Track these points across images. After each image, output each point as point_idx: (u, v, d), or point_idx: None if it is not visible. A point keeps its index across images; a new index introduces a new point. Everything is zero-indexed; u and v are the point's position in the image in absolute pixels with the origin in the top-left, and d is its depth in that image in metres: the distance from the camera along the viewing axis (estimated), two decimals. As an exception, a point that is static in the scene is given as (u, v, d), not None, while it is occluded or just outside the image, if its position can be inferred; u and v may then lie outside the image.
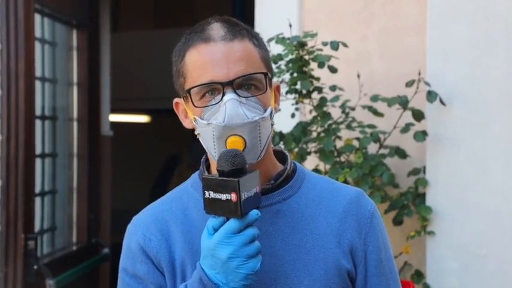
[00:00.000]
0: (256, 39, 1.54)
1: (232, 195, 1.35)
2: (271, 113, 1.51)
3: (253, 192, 1.38)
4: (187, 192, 1.61)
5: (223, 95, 1.46)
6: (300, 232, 1.53)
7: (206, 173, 1.58)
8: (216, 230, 1.38)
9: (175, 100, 1.59)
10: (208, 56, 1.47)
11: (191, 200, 1.58)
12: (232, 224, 1.36)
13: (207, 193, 1.37)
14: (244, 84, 1.47)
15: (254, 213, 1.38)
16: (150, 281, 1.53)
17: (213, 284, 1.38)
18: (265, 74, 1.51)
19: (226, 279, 1.37)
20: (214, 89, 1.47)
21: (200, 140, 1.53)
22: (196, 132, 1.53)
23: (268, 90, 1.51)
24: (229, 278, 1.37)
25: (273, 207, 1.52)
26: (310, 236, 1.52)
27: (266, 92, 1.50)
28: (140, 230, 1.57)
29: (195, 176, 1.64)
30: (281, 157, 1.63)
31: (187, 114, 1.57)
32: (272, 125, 1.53)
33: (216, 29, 1.50)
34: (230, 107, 1.44)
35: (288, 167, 1.59)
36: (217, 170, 1.39)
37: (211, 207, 1.38)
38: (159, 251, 1.53)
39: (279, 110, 1.62)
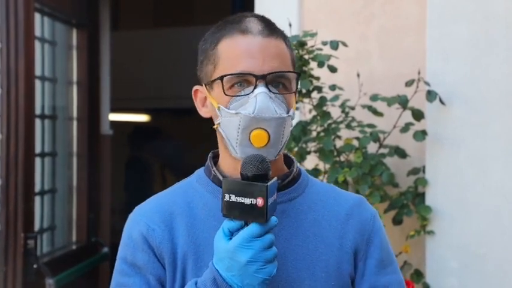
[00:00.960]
0: (288, 40, 1.56)
1: (258, 200, 1.35)
2: (293, 114, 1.52)
3: (273, 199, 1.39)
4: (192, 186, 1.60)
5: (254, 88, 1.46)
6: (303, 233, 1.53)
7: (216, 171, 1.57)
8: (232, 232, 1.39)
9: (196, 87, 1.59)
10: (245, 47, 1.48)
11: (196, 194, 1.58)
12: (255, 228, 1.36)
13: (227, 196, 1.37)
14: (275, 81, 1.48)
15: (274, 219, 1.39)
16: (149, 271, 1.52)
17: (228, 286, 1.38)
18: (298, 75, 1.54)
19: (242, 282, 1.37)
20: (245, 80, 1.48)
21: (220, 130, 1.52)
22: (216, 122, 1.52)
23: (294, 91, 1.53)
24: (246, 281, 1.37)
25: (278, 207, 1.51)
26: (313, 237, 1.53)
27: (293, 92, 1.52)
28: (144, 219, 1.55)
29: (199, 171, 1.63)
30: (287, 160, 1.63)
31: (206, 102, 1.57)
32: (291, 126, 1.54)
33: (254, 22, 1.52)
34: (261, 99, 1.45)
35: (295, 170, 1.60)
36: (241, 174, 1.39)
37: (231, 210, 1.37)
38: (162, 242, 1.52)
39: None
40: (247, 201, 1.36)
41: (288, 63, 1.52)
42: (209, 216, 1.52)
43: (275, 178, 1.42)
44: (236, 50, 1.49)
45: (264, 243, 1.36)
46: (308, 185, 1.61)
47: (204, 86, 1.56)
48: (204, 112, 1.58)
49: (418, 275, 3.07)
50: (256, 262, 1.36)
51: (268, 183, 1.36)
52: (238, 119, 1.47)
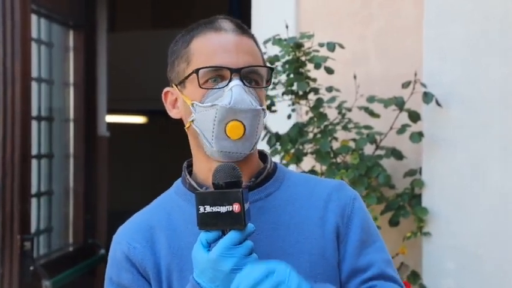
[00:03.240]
0: (257, 43, 1.59)
1: (234, 206, 1.34)
2: (265, 110, 1.54)
3: (248, 205, 1.38)
4: (171, 198, 1.61)
5: (229, 81, 1.48)
6: (283, 227, 1.53)
7: (190, 179, 1.58)
8: (209, 243, 1.38)
9: (166, 89, 1.60)
10: (219, 43, 1.51)
11: (174, 205, 1.59)
12: (234, 235, 1.36)
13: (201, 208, 1.36)
14: (248, 77, 1.50)
15: (251, 226, 1.39)
16: None
17: None
18: (271, 70, 1.57)
19: None
20: (219, 75, 1.49)
21: (194, 126, 1.52)
22: (190, 119, 1.52)
23: (266, 86, 1.56)
24: None
25: (255, 204, 1.52)
26: (294, 229, 1.53)
27: (265, 87, 1.55)
28: (125, 239, 1.57)
29: (178, 182, 1.64)
30: (262, 157, 1.64)
31: (176, 104, 1.58)
32: (264, 123, 1.56)
33: (226, 22, 1.55)
34: (237, 91, 1.46)
35: (269, 165, 1.60)
36: (213, 184, 1.39)
37: (207, 222, 1.37)
38: (144, 258, 1.53)
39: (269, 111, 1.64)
40: (223, 209, 1.35)
41: (260, 61, 1.56)
42: (188, 224, 1.52)
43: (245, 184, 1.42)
44: (210, 46, 1.51)
45: (245, 249, 1.36)
46: (285, 179, 1.61)
47: (175, 86, 1.57)
48: (174, 113, 1.59)
49: (415, 276, 3.07)
50: (239, 269, 1.35)
51: (242, 189, 1.36)
52: (214, 111, 1.47)
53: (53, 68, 4.30)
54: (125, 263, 1.54)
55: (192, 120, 1.52)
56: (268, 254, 1.48)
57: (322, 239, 1.53)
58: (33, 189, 3.96)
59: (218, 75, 1.49)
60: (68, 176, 4.50)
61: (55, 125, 4.36)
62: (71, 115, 4.51)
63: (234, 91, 1.46)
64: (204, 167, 1.56)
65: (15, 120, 3.63)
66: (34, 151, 3.99)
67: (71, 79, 4.50)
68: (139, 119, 9.36)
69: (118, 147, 6.99)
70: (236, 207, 1.35)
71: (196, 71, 1.49)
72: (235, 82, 1.47)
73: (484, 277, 2.97)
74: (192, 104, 1.51)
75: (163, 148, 9.21)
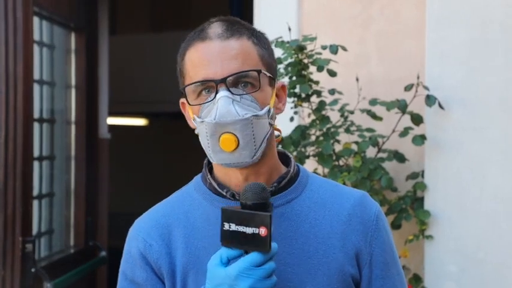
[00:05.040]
0: (256, 37, 1.53)
1: (261, 229, 1.34)
2: (268, 111, 1.49)
3: (273, 228, 1.37)
4: (190, 195, 1.59)
5: (216, 93, 1.46)
6: (303, 236, 1.51)
7: (211, 179, 1.56)
8: (229, 260, 1.38)
9: (181, 100, 1.58)
10: (203, 55, 1.48)
11: (193, 203, 1.57)
12: (256, 257, 1.35)
13: (226, 225, 1.36)
14: (240, 82, 1.47)
15: (275, 247, 1.37)
16: None
17: None
18: (259, 72, 1.49)
19: None
20: (209, 86, 1.47)
21: (199, 139, 1.52)
22: (196, 132, 1.53)
23: (266, 88, 1.51)
24: None
25: (276, 210, 1.50)
26: (314, 240, 1.51)
27: (260, 89, 1.49)
28: (141, 235, 1.55)
29: (197, 178, 1.62)
30: (284, 159, 1.61)
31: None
32: (271, 124, 1.51)
33: (214, 27, 1.51)
34: (222, 104, 1.44)
35: (292, 170, 1.58)
36: (241, 203, 1.38)
37: (231, 239, 1.36)
38: (160, 257, 1.52)
39: (283, 110, 1.61)
40: (249, 230, 1.34)
41: (253, 62, 1.49)
42: (207, 225, 1.51)
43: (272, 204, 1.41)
44: (196, 59, 1.49)
45: (265, 272, 1.35)
46: (307, 184, 1.58)
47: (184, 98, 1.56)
48: (191, 123, 1.57)
49: (417, 279, 3.07)
50: None
51: (271, 213, 1.35)
52: (204, 126, 1.47)
53: (54, 70, 4.30)
54: (139, 260, 1.54)
55: (197, 133, 1.52)
56: (285, 263, 1.48)
57: (342, 253, 1.51)
58: (35, 191, 3.96)
59: (207, 86, 1.48)
60: (70, 178, 4.49)
61: (57, 127, 4.36)
62: (73, 117, 4.51)
63: (219, 104, 1.44)
64: (221, 171, 1.56)
65: (17, 122, 3.63)
66: (36, 153, 3.99)
67: (73, 81, 4.50)
68: (141, 121, 9.36)
69: (119, 149, 7.00)
70: (263, 231, 1.33)
71: (183, 88, 1.50)
72: (221, 94, 1.45)
73: (485, 280, 2.97)
74: (194, 118, 1.51)
75: (165, 150, 9.22)
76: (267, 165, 1.53)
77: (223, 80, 1.45)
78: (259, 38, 1.54)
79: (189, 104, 1.49)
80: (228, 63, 1.46)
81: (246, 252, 1.36)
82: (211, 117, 1.45)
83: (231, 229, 1.35)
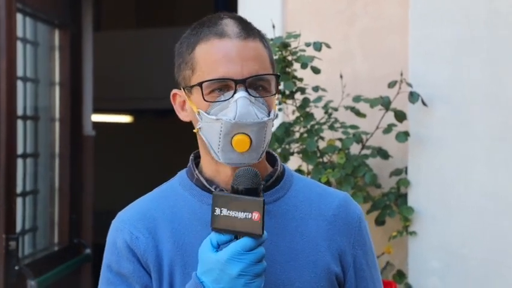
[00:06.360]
0: (265, 40, 1.54)
1: (254, 214, 1.34)
2: (274, 115, 1.51)
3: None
4: (175, 190, 1.58)
5: (234, 92, 1.45)
6: (290, 234, 1.52)
7: (199, 175, 1.56)
8: (219, 245, 1.38)
9: (174, 91, 1.57)
10: (223, 52, 1.46)
11: (179, 198, 1.56)
12: (248, 242, 1.35)
13: (218, 210, 1.36)
14: (254, 84, 1.47)
15: (265, 233, 1.37)
16: (136, 280, 1.50)
17: None
18: (277, 76, 1.52)
19: None
20: (225, 85, 1.46)
21: (201, 134, 1.50)
22: (197, 126, 1.51)
23: (275, 92, 1.52)
24: None
25: None
26: (300, 238, 1.52)
27: (273, 94, 1.50)
28: (127, 226, 1.53)
29: (182, 174, 1.61)
30: (270, 158, 1.62)
31: (185, 106, 1.55)
32: (272, 127, 1.53)
33: (230, 25, 1.49)
34: (241, 104, 1.43)
35: (279, 168, 1.58)
36: (232, 187, 1.38)
37: (222, 224, 1.36)
38: (147, 250, 1.50)
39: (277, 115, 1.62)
40: (241, 215, 1.34)
41: (267, 65, 1.50)
42: (194, 221, 1.51)
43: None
44: (214, 55, 1.47)
45: (255, 256, 1.35)
46: (293, 183, 1.59)
47: (182, 89, 1.54)
48: (183, 116, 1.56)
49: (401, 275, 3.09)
50: (246, 275, 1.34)
51: (263, 198, 1.35)
52: (220, 124, 1.45)
53: (38, 67, 4.28)
54: (126, 252, 1.51)
55: (199, 128, 1.50)
56: (273, 260, 1.48)
57: (327, 253, 1.53)
58: (19, 189, 3.94)
59: (224, 85, 1.46)
60: (54, 175, 4.48)
61: (41, 124, 4.34)
62: (57, 114, 4.50)
63: (239, 104, 1.43)
64: (212, 168, 1.54)
65: (0, 120, 3.61)
66: (19, 150, 3.97)
67: (57, 78, 4.48)
68: (126, 118, 9.34)
69: (104, 147, 6.97)
70: (256, 216, 1.34)
71: (200, 84, 1.47)
72: (240, 94, 1.44)
73: (469, 276, 2.98)
74: (198, 112, 1.49)
75: (149, 147, 9.20)
76: (259, 164, 1.53)
77: (243, 81, 1.45)
78: (266, 41, 1.55)
79: (204, 99, 1.47)
80: (248, 64, 1.46)
81: (236, 238, 1.36)
82: (230, 116, 1.43)
83: (222, 214, 1.35)
